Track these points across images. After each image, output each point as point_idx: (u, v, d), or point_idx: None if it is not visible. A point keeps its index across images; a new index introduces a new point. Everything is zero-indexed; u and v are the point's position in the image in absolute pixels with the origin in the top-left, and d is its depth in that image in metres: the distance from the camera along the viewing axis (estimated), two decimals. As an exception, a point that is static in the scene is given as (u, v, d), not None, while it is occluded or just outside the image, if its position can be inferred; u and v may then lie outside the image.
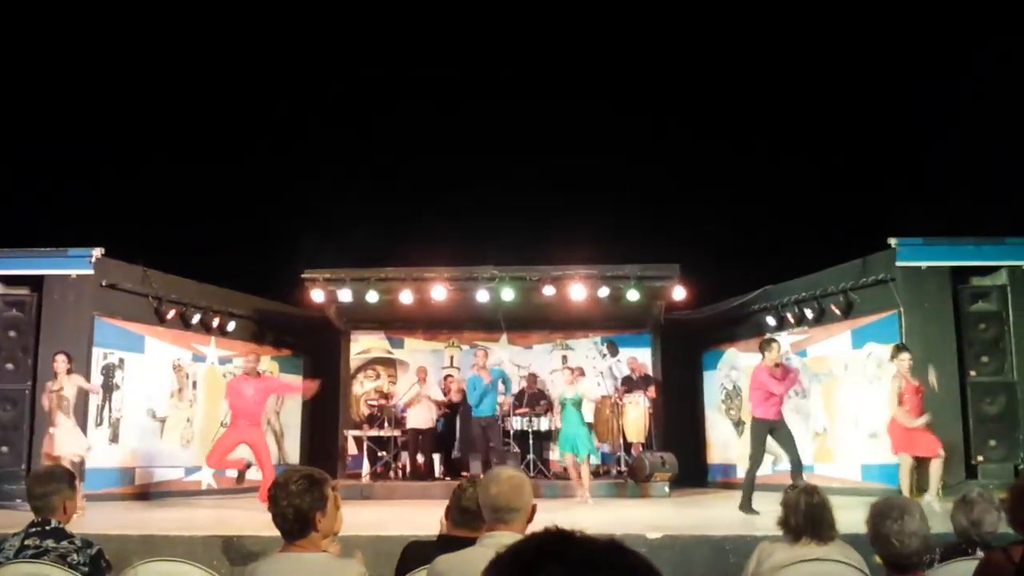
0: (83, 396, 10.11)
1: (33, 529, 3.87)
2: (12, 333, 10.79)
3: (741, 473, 13.11)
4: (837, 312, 11.57)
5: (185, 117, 15.32)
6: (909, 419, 9.03)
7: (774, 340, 9.85)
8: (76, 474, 4.81)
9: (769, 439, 9.47)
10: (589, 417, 12.40)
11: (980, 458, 10.11)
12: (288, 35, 15.99)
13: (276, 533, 3.18)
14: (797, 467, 9.19)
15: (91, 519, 8.17)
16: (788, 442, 9.34)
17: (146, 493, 11.61)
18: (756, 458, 9.41)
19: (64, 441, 9.20)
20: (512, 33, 16.20)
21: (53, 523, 3.90)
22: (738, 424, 13.51)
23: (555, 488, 11.77)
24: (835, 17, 14.97)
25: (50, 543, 3.81)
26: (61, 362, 9.53)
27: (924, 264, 10.66)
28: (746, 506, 9.02)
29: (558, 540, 1.24)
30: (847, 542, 3.95)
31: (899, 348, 9.48)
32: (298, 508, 3.02)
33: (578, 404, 11.13)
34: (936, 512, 7.41)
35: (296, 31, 16.03)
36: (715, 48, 15.76)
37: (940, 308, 10.52)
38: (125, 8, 14.76)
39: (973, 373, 10.36)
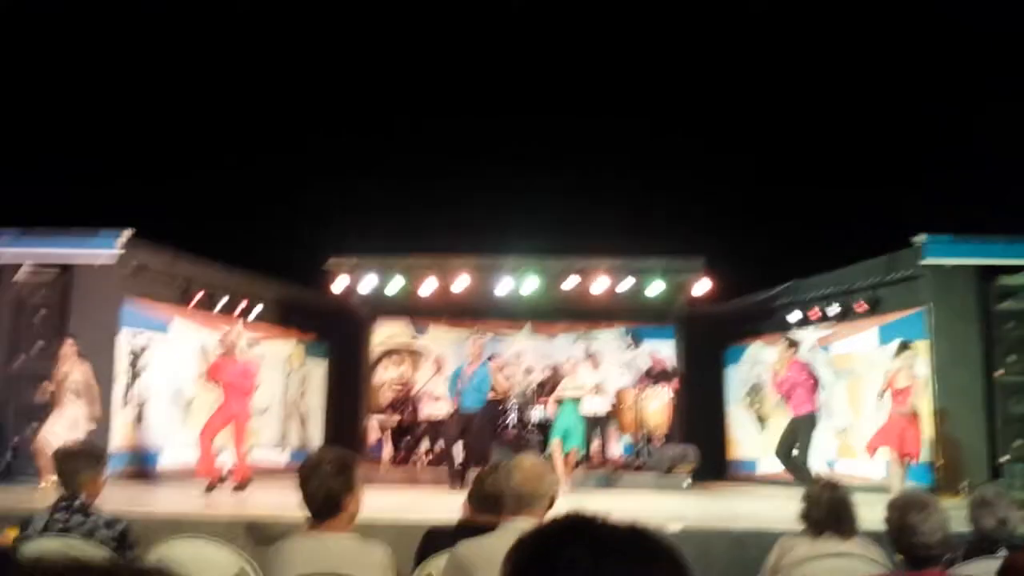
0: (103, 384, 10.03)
1: (61, 505, 3.94)
2: (43, 311, 10.92)
3: (762, 468, 13.13)
4: (863, 309, 11.49)
5: (215, 104, 15.43)
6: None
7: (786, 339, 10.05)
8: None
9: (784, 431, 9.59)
10: (597, 408, 12.12)
11: (1006, 457, 10.02)
12: (316, 28, 16.06)
13: (299, 516, 3.21)
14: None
15: (115, 499, 8.24)
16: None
17: (171, 474, 11.72)
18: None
19: (71, 429, 9.11)
20: (540, 32, 16.17)
21: (80, 500, 3.96)
22: (761, 419, 13.46)
23: (576, 478, 11.77)
24: (862, 14, 14.85)
25: (77, 519, 3.87)
26: (68, 346, 9.56)
27: (951, 261, 10.56)
28: None
29: (581, 523, 1.25)
30: (869, 539, 3.93)
31: (904, 345, 9.42)
32: (329, 489, 3.05)
33: (576, 405, 11.00)
34: None
35: (326, 25, 16.09)
36: (744, 45, 15.67)
37: (967, 306, 10.42)
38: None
39: (1000, 372, 10.26)
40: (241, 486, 9.74)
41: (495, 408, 12.69)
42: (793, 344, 9.93)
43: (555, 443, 10.92)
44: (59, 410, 9.37)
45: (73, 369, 9.47)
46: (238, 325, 11.07)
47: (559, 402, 11.03)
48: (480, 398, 11.54)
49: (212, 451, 9.92)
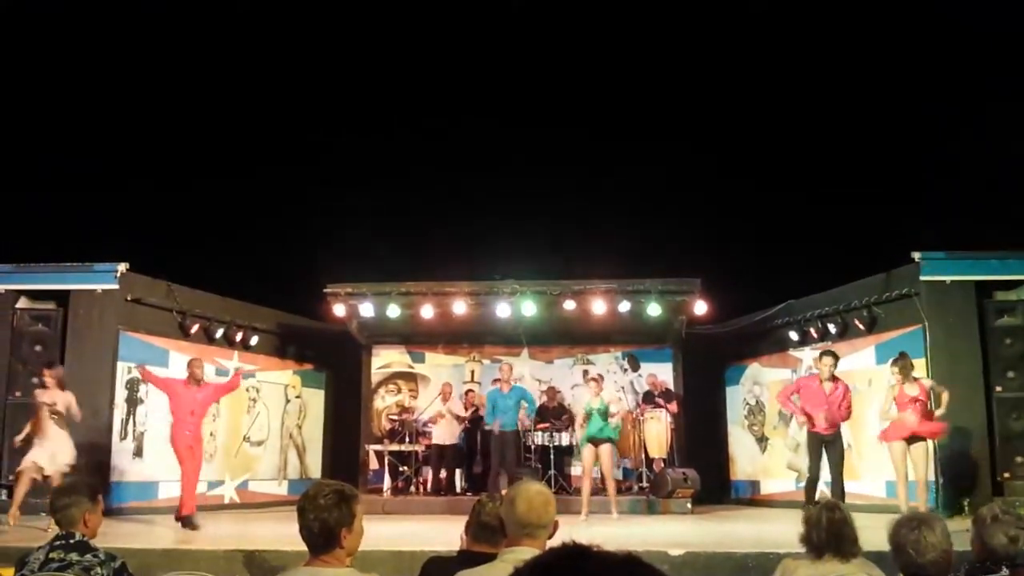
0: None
1: (57, 542, 3.90)
2: (38, 347, 10.92)
3: (764, 490, 13.10)
4: (861, 327, 11.49)
5: (208, 133, 15.48)
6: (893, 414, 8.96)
7: (825, 353, 9.77)
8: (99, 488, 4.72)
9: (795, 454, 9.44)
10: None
11: (1006, 475, 9.99)
12: (312, 54, 16.14)
13: (298, 548, 3.18)
14: (836, 488, 9.14)
15: (114, 533, 8.21)
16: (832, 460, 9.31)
17: (169, 507, 11.64)
18: (809, 470, 9.33)
19: (57, 455, 9.01)
20: (537, 54, 16.26)
21: (77, 536, 3.92)
22: (761, 440, 13.43)
23: (576, 504, 11.72)
24: (855, 31, 14.95)
25: (74, 556, 3.83)
26: (49, 376, 9.37)
27: (948, 278, 10.57)
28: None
29: (575, 554, 1.25)
30: (871, 560, 3.91)
31: (895, 360, 9.32)
32: (324, 522, 3.02)
33: (604, 414, 10.82)
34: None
35: (321, 50, 16.17)
36: (737, 64, 15.76)
37: (965, 323, 10.43)
38: (152, 26, 14.96)
39: (999, 388, 10.25)
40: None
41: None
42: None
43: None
44: (41, 439, 9.19)
45: (56, 399, 9.27)
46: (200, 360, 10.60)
47: (602, 414, 10.91)
48: (515, 418, 12.16)
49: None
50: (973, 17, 13.12)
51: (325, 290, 12.63)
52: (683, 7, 15.51)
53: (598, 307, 12.39)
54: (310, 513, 3.03)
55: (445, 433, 12.96)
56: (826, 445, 9.38)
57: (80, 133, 14.70)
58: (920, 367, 10.16)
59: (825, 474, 9.52)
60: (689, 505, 11.64)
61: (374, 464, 13.96)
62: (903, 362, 9.11)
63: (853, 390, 11.64)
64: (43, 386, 9.42)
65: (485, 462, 13.19)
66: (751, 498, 13.40)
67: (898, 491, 8.94)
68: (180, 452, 9.56)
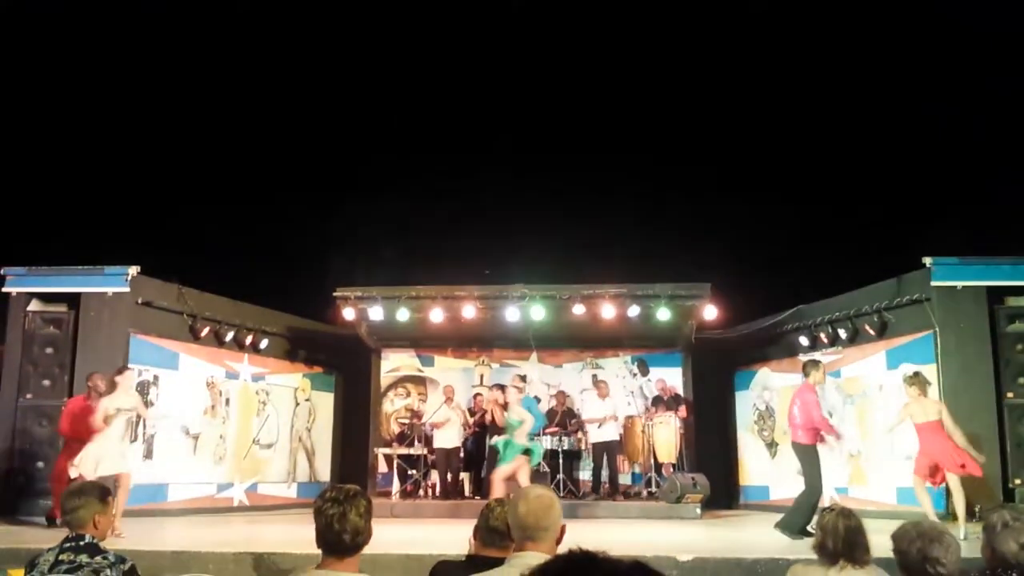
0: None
1: (67, 544, 3.91)
2: (49, 350, 10.96)
3: (774, 495, 13.02)
4: (871, 332, 11.45)
5: (220, 137, 15.53)
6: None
7: (811, 363, 9.62)
8: (112, 490, 4.77)
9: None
10: (607, 436, 12.88)
11: (1018, 481, 9.93)
12: (320, 60, 16.18)
13: (307, 551, 3.18)
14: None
15: (124, 535, 8.22)
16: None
17: (178, 509, 11.68)
18: (816, 484, 9.03)
19: (115, 462, 8.89)
20: (544, 65, 16.27)
21: (87, 538, 3.93)
22: (771, 445, 13.38)
23: (585, 508, 11.72)
24: (856, 32, 14.92)
25: (84, 558, 3.84)
26: (129, 376, 9.27)
27: (960, 284, 10.52)
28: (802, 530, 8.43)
29: (583, 561, 1.25)
30: (880, 566, 3.89)
31: (912, 377, 9.17)
32: (341, 526, 3.03)
33: (511, 428, 10.55)
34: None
35: (328, 56, 16.21)
36: (748, 70, 15.74)
37: (976, 328, 10.38)
38: (165, 36, 15.02)
39: (1010, 395, 10.19)
40: None
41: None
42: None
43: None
44: (101, 440, 9.10)
45: (134, 404, 9.19)
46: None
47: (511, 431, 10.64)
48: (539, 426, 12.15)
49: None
50: (973, 17, 13.06)
51: (335, 293, 12.65)
52: (685, 10, 15.51)
53: (608, 311, 12.37)
54: (325, 517, 3.04)
55: (448, 437, 12.95)
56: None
57: (94, 138, 14.75)
58: (931, 373, 10.12)
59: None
60: (698, 510, 11.60)
61: (383, 467, 13.98)
62: (922, 379, 9.03)
63: (862, 396, 11.66)
64: (105, 389, 9.28)
65: (491, 466, 13.19)
66: (760, 503, 13.35)
67: (923, 503, 8.81)
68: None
